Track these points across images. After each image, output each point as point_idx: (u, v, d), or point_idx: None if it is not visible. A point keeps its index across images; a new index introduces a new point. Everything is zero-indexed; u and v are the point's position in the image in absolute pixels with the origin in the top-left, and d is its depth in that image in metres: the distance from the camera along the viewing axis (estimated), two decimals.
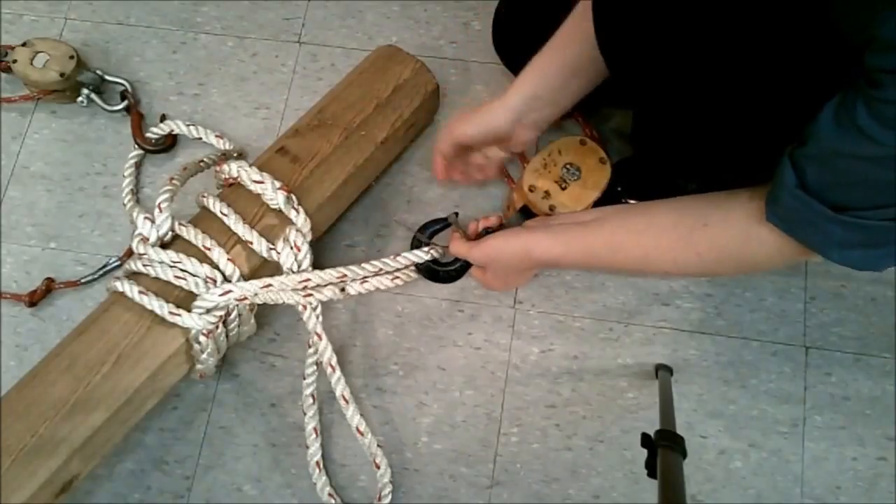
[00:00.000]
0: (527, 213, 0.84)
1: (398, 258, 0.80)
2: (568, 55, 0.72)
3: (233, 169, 0.80)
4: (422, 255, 0.80)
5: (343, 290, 0.79)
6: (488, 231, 0.78)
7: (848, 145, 0.46)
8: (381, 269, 0.80)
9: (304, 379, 0.86)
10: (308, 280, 0.78)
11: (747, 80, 0.57)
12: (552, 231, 0.72)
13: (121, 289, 0.75)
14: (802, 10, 0.49)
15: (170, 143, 0.99)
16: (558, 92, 0.74)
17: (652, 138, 0.81)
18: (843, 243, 0.52)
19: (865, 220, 0.49)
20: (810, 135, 0.50)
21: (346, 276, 0.79)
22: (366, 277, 0.80)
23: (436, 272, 0.82)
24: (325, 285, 0.79)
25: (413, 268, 0.83)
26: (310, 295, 0.78)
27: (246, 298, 0.76)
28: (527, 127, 0.75)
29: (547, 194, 0.81)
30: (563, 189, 0.81)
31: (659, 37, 0.59)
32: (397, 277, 0.81)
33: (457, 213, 0.82)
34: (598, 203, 0.91)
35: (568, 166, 0.82)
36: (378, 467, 0.84)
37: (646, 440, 0.66)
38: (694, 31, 0.57)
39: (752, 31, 0.54)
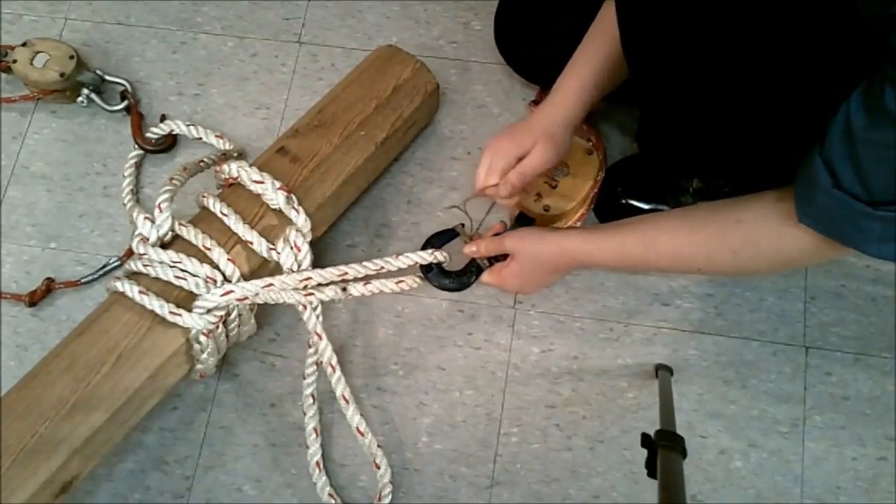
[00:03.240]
0: (524, 220, 0.84)
1: (401, 258, 0.80)
2: (596, 66, 0.73)
3: (233, 169, 0.80)
4: (425, 256, 0.80)
5: (345, 289, 0.79)
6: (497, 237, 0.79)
7: (880, 135, 0.46)
8: (382, 268, 0.80)
9: (304, 379, 0.86)
10: (309, 279, 0.78)
11: (766, 74, 0.57)
12: (585, 230, 0.73)
13: (121, 289, 0.75)
14: (823, 1, 0.49)
15: (170, 143, 0.99)
16: (587, 104, 0.75)
17: (660, 134, 0.81)
18: (881, 238, 0.51)
19: None
20: (838, 131, 0.49)
21: (347, 273, 0.79)
22: (368, 277, 0.80)
23: (444, 280, 0.82)
24: (327, 284, 0.79)
25: (420, 275, 0.82)
26: (311, 294, 0.78)
27: (247, 298, 0.76)
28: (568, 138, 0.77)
29: (538, 196, 0.82)
30: (554, 188, 0.82)
31: (681, 31, 0.59)
32: (402, 282, 0.80)
33: (463, 225, 0.82)
34: (598, 203, 0.91)
35: (556, 165, 0.83)
36: (378, 467, 0.84)
37: (646, 440, 0.66)
38: (716, 25, 0.57)
39: (773, 21, 0.54)
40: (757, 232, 0.61)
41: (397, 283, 0.80)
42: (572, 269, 0.80)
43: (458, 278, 0.81)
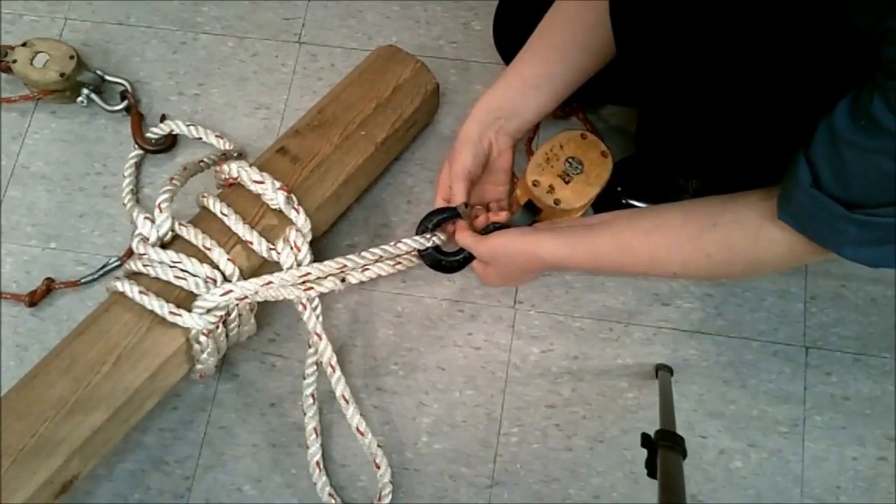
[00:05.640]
0: (531, 209, 0.84)
1: (399, 244, 0.80)
2: (528, 71, 0.73)
3: (233, 169, 0.80)
4: (423, 241, 0.80)
5: (343, 280, 0.79)
6: (496, 225, 0.78)
7: (864, 140, 0.46)
8: (381, 257, 0.80)
9: (304, 379, 0.86)
10: (308, 274, 0.78)
11: (758, 78, 0.57)
12: (559, 232, 0.72)
13: (121, 289, 0.75)
14: (815, 7, 0.49)
15: (170, 143, 0.99)
16: (521, 105, 0.74)
17: (656, 137, 0.81)
18: (857, 241, 0.51)
19: (880, 217, 0.49)
20: (824, 132, 0.50)
21: (346, 266, 0.78)
22: (366, 265, 0.80)
23: (439, 261, 0.82)
24: (326, 277, 0.79)
25: (416, 255, 0.82)
26: (310, 288, 0.77)
27: (247, 298, 0.76)
28: (501, 137, 0.76)
29: (551, 188, 0.82)
30: (567, 183, 0.82)
31: (674, 39, 0.59)
32: (399, 263, 0.81)
33: (466, 205, 0.82)
34: (598, 201, 0.91)
35: (570, 160, 0.82)
36: (378, 467, 0.84)
37: (646, 440, 0.66)
38: (708, 32, 0.57)
39: (766, 30, 0.54)
40: (733, 236, 0.61)
41: (394, 265, 0.80)
42: (547, 270, 0.81)
43: (451, 260, 0.81)
